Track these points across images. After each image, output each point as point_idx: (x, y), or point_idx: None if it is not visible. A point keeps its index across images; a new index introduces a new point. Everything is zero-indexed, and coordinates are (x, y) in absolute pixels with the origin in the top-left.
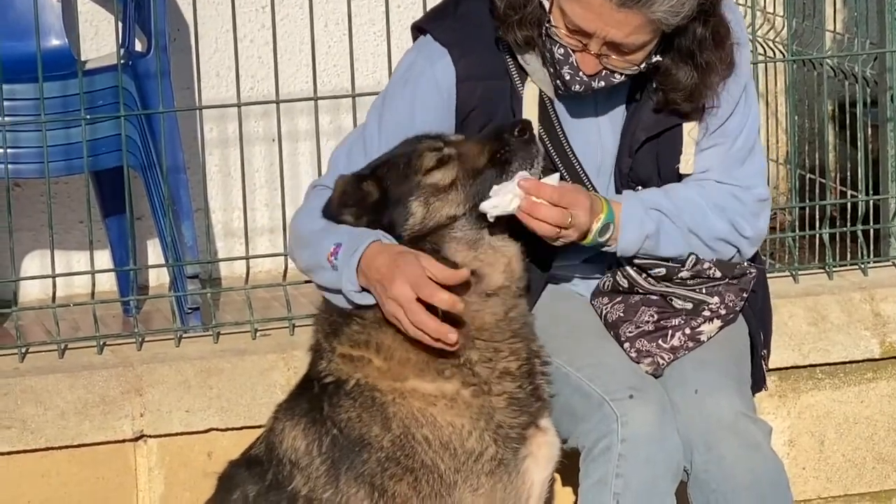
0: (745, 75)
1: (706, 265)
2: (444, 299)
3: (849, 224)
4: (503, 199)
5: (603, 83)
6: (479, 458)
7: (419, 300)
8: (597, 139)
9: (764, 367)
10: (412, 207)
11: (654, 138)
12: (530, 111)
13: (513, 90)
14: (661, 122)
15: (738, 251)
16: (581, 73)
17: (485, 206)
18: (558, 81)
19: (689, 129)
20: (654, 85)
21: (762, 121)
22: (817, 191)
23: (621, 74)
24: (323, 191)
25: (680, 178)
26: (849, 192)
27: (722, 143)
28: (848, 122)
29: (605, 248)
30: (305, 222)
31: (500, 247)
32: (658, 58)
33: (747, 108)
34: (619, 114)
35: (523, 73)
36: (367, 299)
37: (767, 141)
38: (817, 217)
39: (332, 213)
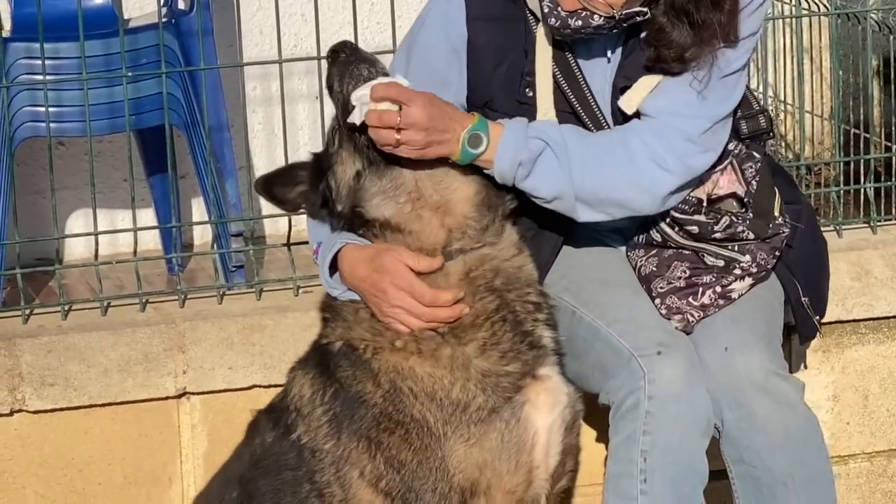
0: (751, 43)
1: (740, 228)
2: (447, 299)
3: (893, 178)
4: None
5: (580, 23)
6: (467, 408)
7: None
8: (602, 85)
9: (811, 314)
10: (330, 182)
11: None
12: (543, 53)
13: (527, 32)
14: (638, 72)
15: (658, 185)
16: (559, 9)
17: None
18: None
19: (654, 77)
20: (646, 40)
21: (807, 76)
22: (861, 145)
23: (600, 17)
24: None
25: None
26: (894, 147)
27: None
28: (893, 76)
29: (485, 170)
30: None
31: (429, 193)
32: (644, 8)
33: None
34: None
35: (537, 17)
36: (353, 296)
37: (812, 96)
38: (862, 171)
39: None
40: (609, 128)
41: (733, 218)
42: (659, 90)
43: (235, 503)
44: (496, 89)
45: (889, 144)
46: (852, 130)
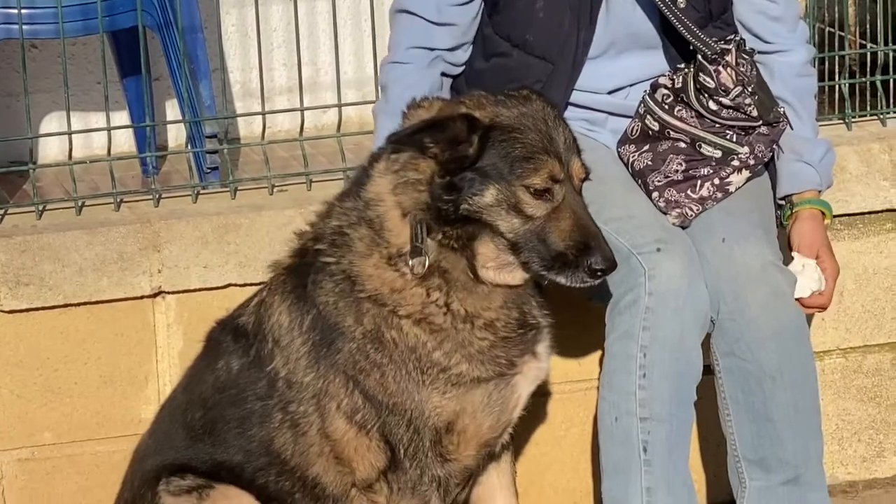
0: None
1: (747, 101)
2: None
3: (868, 75)
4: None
5: None
6: (446, 370)
7: None
8: None
9: (780, 223)
10: (487, 193)
11: None
12: None
13: None
14: None
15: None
16: None
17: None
18: None
19: None
20: None
21: None
22: (837, 43)
23: None
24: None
25: None
26: (868, 45)
27: None
28: None
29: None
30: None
31: (517, 274)
32: None
33: None
34: None
35: None
36: None
37: None
38: (836, 69)
39: (417, 139)
40: None
41: (744, 87)
42: None
43: (199, 424)
44: None
45: (863, 42)
46: (826, 29)
